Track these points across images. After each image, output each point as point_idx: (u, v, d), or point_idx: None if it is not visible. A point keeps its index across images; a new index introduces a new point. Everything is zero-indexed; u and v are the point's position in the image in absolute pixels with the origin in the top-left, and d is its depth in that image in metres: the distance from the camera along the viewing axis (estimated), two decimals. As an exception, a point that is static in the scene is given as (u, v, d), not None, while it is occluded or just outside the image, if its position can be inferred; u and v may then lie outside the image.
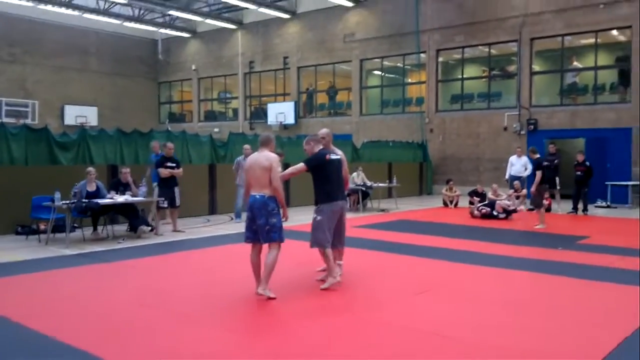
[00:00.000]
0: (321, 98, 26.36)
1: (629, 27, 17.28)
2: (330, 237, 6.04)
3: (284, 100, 25.80)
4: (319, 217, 6.03)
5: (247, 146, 11.78)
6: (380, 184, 15.82)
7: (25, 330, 4.64)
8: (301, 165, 6.14)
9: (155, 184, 10.40)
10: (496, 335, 4.59)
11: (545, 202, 14.69)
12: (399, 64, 23.26)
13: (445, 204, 15.79)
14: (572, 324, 4.92)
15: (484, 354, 4.15)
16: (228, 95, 29.33)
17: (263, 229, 5.56)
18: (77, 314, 5.14)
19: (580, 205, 14.13)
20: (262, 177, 5.59)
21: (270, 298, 5.51)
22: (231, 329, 4.82)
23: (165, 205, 10.25)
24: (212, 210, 13.44)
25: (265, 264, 5.61)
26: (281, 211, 5.67)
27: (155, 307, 5.34)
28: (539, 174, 11.54)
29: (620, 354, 4.14)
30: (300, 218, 12.96)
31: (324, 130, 6.75)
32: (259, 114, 26.96)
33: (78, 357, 4.05)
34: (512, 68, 20.68)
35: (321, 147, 6.24)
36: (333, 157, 6.20)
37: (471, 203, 13.91)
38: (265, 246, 5.72)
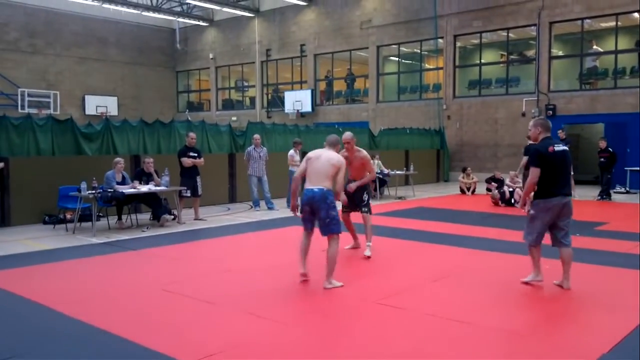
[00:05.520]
0: (338, 85, 26.39)
1: (650, 10, 17.08)
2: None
3: (301, 88, 25.90)
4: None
5: (256, 136, 12.17)
6: (398, 172, 15.88)
7: (61, 317, 4.87)
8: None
9: None
10: (512, 321, 4.72)
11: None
12: (416, 50, 23.19)
13: (462, 191, 15.83)
14: (587, 310, 5.02)
15: (500, 339, 4.29)
16: (245, 84, 29.51)
17: (324, 221, 5.79)
18: (110, 301, 5.38)
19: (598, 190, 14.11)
20: (327, 172, 5.80)
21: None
22: (260, 316, 5.01)
23: (188, 194, 10.51)
24: (232, 198, 13.68)
25: (327, 258, 5.81)
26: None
27: (184, 294, 5.56)
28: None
29: (636, 338, 4.25)
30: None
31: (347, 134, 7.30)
32: (276, 102, 27.11)
33: (112, 342, 4.28)
34: (530, 53, 20.51)
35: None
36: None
37: (489, 190, 13.89)
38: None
